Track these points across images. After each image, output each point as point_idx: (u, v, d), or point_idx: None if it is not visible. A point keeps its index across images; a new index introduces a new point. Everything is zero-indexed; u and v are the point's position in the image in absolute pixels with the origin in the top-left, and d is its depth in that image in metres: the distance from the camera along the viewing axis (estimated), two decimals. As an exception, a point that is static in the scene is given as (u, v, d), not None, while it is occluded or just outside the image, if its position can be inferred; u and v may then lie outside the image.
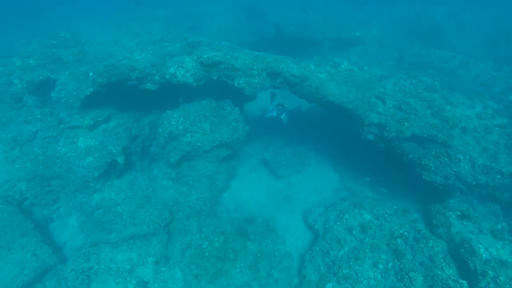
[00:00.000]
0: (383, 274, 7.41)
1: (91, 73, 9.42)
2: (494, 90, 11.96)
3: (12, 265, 8.09)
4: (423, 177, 9.39)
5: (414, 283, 6.93)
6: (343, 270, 7.73)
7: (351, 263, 7.83)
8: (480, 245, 7.71)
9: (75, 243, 9.63)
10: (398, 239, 7.99)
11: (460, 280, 7.13)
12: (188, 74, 10.32)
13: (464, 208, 8.59)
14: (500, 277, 7.11)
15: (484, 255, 7.59)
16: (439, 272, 7.17)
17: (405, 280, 7.06)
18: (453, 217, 8.47)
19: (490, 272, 7.20)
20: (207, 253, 8.48)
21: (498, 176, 8.85)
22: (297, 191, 12.75)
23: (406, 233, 8.14)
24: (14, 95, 10.01)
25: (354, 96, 10.37)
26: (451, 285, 6.87)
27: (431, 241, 7.74)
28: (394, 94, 10.21)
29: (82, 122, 10.11)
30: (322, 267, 8.26)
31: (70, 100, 9.87)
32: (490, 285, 7.08)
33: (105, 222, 9.29)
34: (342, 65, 11.32)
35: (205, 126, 10.56)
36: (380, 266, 7.56)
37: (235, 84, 10.20)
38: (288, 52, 17.55)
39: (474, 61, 13.56)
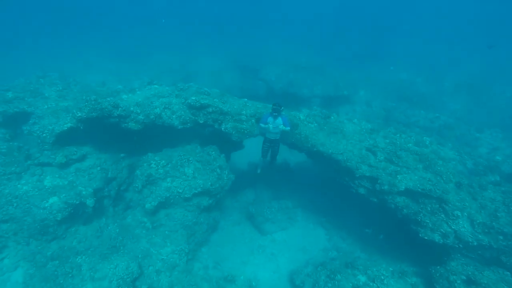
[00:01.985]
0: None
1: (74, 110, 8.86)
2: (480, 150, 12.05)
3: None
4: (420, 235, 8.67)
5: None
6: None
7: (347, 335, 6.63)
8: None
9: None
10: (399, 306, 6.95)
11: None
12: (174, 116, 9.93)
13: (470, 272, 7.76)
14: None
15: (496, 329, 6.61)
16: None
17: None
18: (459, 282, 7.60)
19: None
20: (176, 318, 7.10)
21: (501, 237, 8.24)
22: (282, 249, 11.67)
23: (407, 300, 7.14)
24: (-20, 129, 9.24)
25: (344, 148, 10.11)
26: None
27: (437, 309, 6.75)
28: (385, 147, 10.01)
29: (53, 159, 9.25)
30: None
31: (44, 135, 9.14)
32: None
33: (58, 275, 7.86)
34: (332, 117, 11.29)
35: (187, 171, 9.85)
36: None
37: (222, 129, 9.83)
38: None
39: (457, 122, 13.96)
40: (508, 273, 8.00)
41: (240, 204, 13.52)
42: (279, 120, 8.91)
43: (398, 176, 9.15)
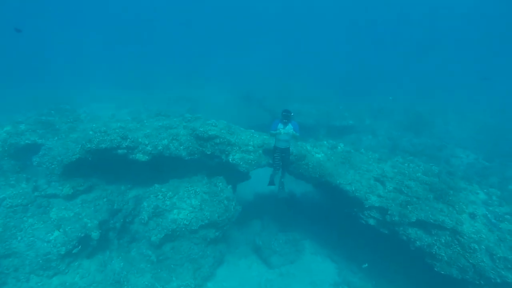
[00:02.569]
0: None
1: (83, 141, 9.00)
2: (491, 180, 11.84)
3: None
4: (435, 269, 8.31)
5: None
6: None
7: None
8: None
9: None
10: None
11: None
12: (181, 147, 10.02)
13: (492, 311, 7.33)
14: None
15: None
16: None
17: None
18: (481, 321, 7.15)
19: None
20: None
21: (523, 273, 7.86)
22: (291, 284, 11.19)
23: None
24: (-9, 159, 9.34)
25: (352, 178, 10.01)
26: None
27: None
28: (394, 176, 9.89)
29: (61, 190, 9.24)
30: None
31: (52, 166, 9.21)
32: None
33: (59, 314, 7.56)
34: (339, 147, 11.29)
35: (194, 203, 9.75)
36: None
37: (230, 160, 9.84)
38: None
39: (465, 150, 13.89)
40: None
41: (246, 236, 13.18)
42: (290, 126, 8.77)
43: (408, 206, 8.96)
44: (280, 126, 8.75)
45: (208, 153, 10.04)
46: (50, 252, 8.27)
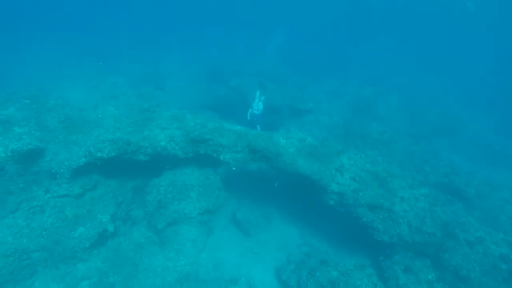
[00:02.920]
0: (355, 326, 9.09)
1: (91, 148, 9.93)
2: (415, 162, 15.51)
3: None
4: (374, 237, 11.70)
5: (380, 332, 8.72)
6: (323, 325, 9.20)
7: (329, 318, 9.37)
8: (420, 294, 10.00)
9: (53, 320, 9.39)
10: (362, 294, 9.88)
11: (410, 326, 9.17)
12: (177, 147, 11.46)
13: (406, 263, 10.99)
14: (434, 319, 9.35)
15: (423, 302, 9.85)
16: (395, 321, 9.14)
17: (373, 330, 8.83)
18: (399, 271, 10.76)
19: (427, 315, 9.42)
20: (202, 319, 9.21)
21: (426, 235, 11.56)
22: (266, 249, 14.09)
23: (367, 288, 10.10)
24: (-5, 165, 9.83)
25: (318, 169, 12.60)
26: (405, 331, 8.85)
27: (387, 294, 9.80)
28: (350, 167, 12.70)
29: (71, 191, 10.31)
30: (303, 323, 9.61)
31: (62, 170, 10.11)
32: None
33: (95, 294, 9.38)
34: (307, 140, 13.64)
35: (192, 195, 11.59)
36: (352, 319, 9.26)
37: (221, 158, 11.63)
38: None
39: (399, 136, 17.39)
40: (428, 260, 11.39)
41: (225, 210, 15.56)
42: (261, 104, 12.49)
43: (359, 193, 11.96)
44: (257, 94, 12.33)
45: (202, 152, 11.67)
46: (76, 246, 9.72)
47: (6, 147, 10.03)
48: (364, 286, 10.21)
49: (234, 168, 11.55)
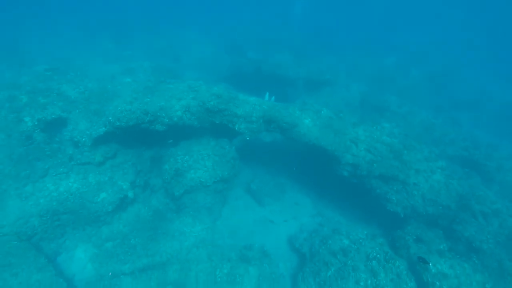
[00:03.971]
0: (364, 290, 9.42)
1: (110, 117, 10.26)
2: (434, 135, 15.14)
3: (33, 300, 8.53)
4: (387, 208, 11.77)
5: (388, 296, 9.03)
6: (333, 288, 9.60)
7: (339, 282, 9.73)
8: (430, 263, 10.13)
9: (84, 275, 10.18)
10: (373, 261, 10.12)
11: (419, 291, 9.42)
12: (193, 117, 11.66)
13: (418, 233, 11.07)
14: (443, 286, 9.52)
15: (433, 270, 9.98)
16: (404, 286, 9.40)
17: (382, 294, 9.14)
18: (411, 241, 10.88)
19: (437, 283, 9.59)
20: (219, 279, 9.76)
21: (440, 208, 11.54)
22: (279, 218, 14.49)
23: (378, 255, 10.31)
24: (24, 133, 10.37)
25: (333, 140, 12.57)
26: (414, 296, 9.11)
27: (397, 261, 10.00)
28: (365, 139, 12.61)
29: (93, 159, 10.81)
30: (314, 286, 10.04)
31: (84, 139, 10.57)
32: (437, 293, 9.44)
33: (119, 253, 10.06)
34: (322, 112, 13.52)
35: (207, 164, 11.91)
36: (362, 283, 9.57)
37: (236, 128, 11.77)
38: (266, 87, 19.61)
39: (419, 109, 16.89)
40: (440, 231, 11.43)
41: (239, 180, 15.94)
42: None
43: (374, 164, 11.93)
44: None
45: (217, 122, 11.83)
46: (100, 210, 10.33)
47: (32, 117, 10.52)
48: (375, 254, 10.42)
49: (248, 138, 11.67)
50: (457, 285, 9.42)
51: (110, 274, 9.45)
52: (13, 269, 8.59)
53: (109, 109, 11.25)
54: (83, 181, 10.61)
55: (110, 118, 10.44)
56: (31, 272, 8.95)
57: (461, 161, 14.53)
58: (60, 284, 9.12)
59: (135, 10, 31.44)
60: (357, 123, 13.31)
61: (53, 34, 22.52)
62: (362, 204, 13.98)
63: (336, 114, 13.59)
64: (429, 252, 10.68)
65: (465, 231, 10.90)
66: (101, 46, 20.19)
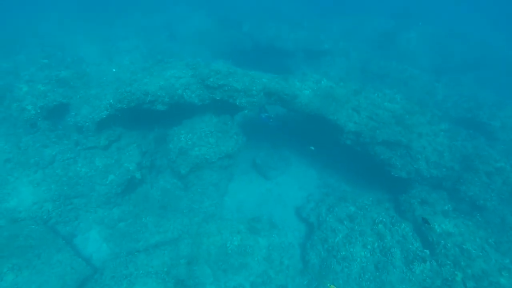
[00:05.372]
0: (371, 253, 9.74)
1: (111, 100, 10.29)
2: (437, 98, 14.99)
3: (56, 278, 8.95)
4: (392, 173, 11.89)
5: (394, 256, 9.36)
6: (341, 253, 9.94)
7: (346, 247, 10.06)
8: (435, 223, 10.37)
9: (100, 254, 10.62)
10: (379, 225, 10.39)
11: (424, 250, 9.73)
12: (193, 95, 11.63)
13: (423, 196, 11.26)
14: (448, 244, 9.79)
15: (438, 230, 10.22)
16: (410, 246, 9.70)
17: (388, 255, 9.47)
18: (416, 203, 11.07)
19: (441, 241, 9.86)
20: (230, 251, 10.13)
21: (444, 169, 11.64)
22: (286, 190, 14.76)
23: (384, 219, 10.57)
24: (28, 121, 10.48)
25: (334, 109, 12.52)
26: (419, 254, 9.42)
27: (403, 224, 10.26)
28: (367, 106, 12.54)
29: (98, 143, 10.95)
30: (322, 252, 10.39)
31: (87, 124, 10.66)
32: (442, 250, 9.70)
33: (131, 232, 10.43)
34: (322, 82, 13.39)
35: (211, 141, 12.01)
36: (369, 246, 9.89)
37: (237, 103, 11.74)
38: (264, 62, 19.35)
39: (420, 72, 16.59)
40: (445, 192, 11.60)
41: (244, 155, 16.09)
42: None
43: (377, 131, 11.94)
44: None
45: (218, 98, 11.80)
46: (109, 192, 10.61)
47: (34, 105, 10.59)
48: (381, 219, 10.68)
49: (246, 111, 11.64)
50: (461, 242, 9.69)
51: (124, 252, 9.83)
52: (35, 251, 8.98)
53: (109, 92, 11.26)
54: (91, 165, 10.83)
55: (111, 100, 10.47)
56: (51, 253, 9.36)
57: (465, 122, 14.45)
58: (80, 263, 9.55)
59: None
60: (358, 91, 13.18)
61: (44, 19, 22.07)
62: (367, 173, 14.13)
63: (336, 83, 13.45)
64: (434, 213, 10.89)
65: (468, 191, 11.06)
66: (94, 30, 19.84)
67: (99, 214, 10.92)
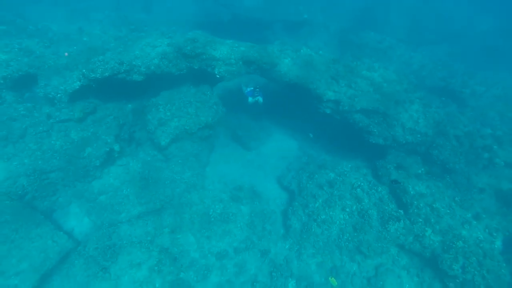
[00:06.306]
0: (350, 215, 10.20)
1: (84, 70, 9.80)
2: (413, 67, 15.29)
3: (37, 251, 8.83)
4: (370, 140, 12.25)
5: (371, 217, 9.85)
6: (321, 216, 10.32)
7: (326, 211, 10.45)
8: (409, 186, 10.91)
9: (82, 228, 10.49)
10: (357, 189, 10.82)
11: (399, 210, 10.28)
12: (170, 64, 11.30)
13: (399, 161, 11.74)
14: (420, 204, 10.36)
15: (412, 192, 10.78)
16: (386, 208, 10.21)
17: (366, 216, 9.95)
18: (392, 168, 11.55)
19: (414, 202, 10.43)
20: (212, 218, 10.29)
21: (418, 136, 12.10)
22: (266, 160, 14.92)
23: (362, 184, 11.01)
24: (-8, 93, 9.88)
25: (313, 77, 12.55)
26: (394, 214, 9.96)
27: (379, 187, 10.72)
28: (345, 75, 12.64)
29: (72, 115, 10.52)
30: (303, 217, 10.76)
31: (59, 95, 10.17)
32: (415, 210, 10.28)
33: (113, 204, 10.33)
34: (302, 50, 13.30)
35: (190, 111, 11.83)
36: (347, 209, 10.33)
37: (216, 72, 11.51)
38: (243, 33, 18.88)
39: (398, 42, 16.78)
40: (419, 157, 12.14)
41: (224, 127, 16.01)
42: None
43: (355, 99, 12.14)
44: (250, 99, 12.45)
45: (196, 67, 11.51)
46: (88, 165, 10.36)
47: (-3, 75, 9.93)
48: (359, 183, 11.10)
49: (218, 76, 11.35)
50: (432, 202, 10.30)
51: (106, 223, 9.77)
52: (12, 225, 8.76)
53: (81, 61, 10.70)
54: (66, 138, 10.44)
55: (84, 70, 9.99)
56: (30, 228, 9.16)
57: (439, 90, 14.94)
58: (61, 236, 9.42)
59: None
60: (337, 60, 13.23)
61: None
62: (347, 142, 14.47)
63: (315, 52, 13.41)
64: (408, 177, 11.44)
65: (440, 155, 11.61)
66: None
67: (78, 188, 10.68)
